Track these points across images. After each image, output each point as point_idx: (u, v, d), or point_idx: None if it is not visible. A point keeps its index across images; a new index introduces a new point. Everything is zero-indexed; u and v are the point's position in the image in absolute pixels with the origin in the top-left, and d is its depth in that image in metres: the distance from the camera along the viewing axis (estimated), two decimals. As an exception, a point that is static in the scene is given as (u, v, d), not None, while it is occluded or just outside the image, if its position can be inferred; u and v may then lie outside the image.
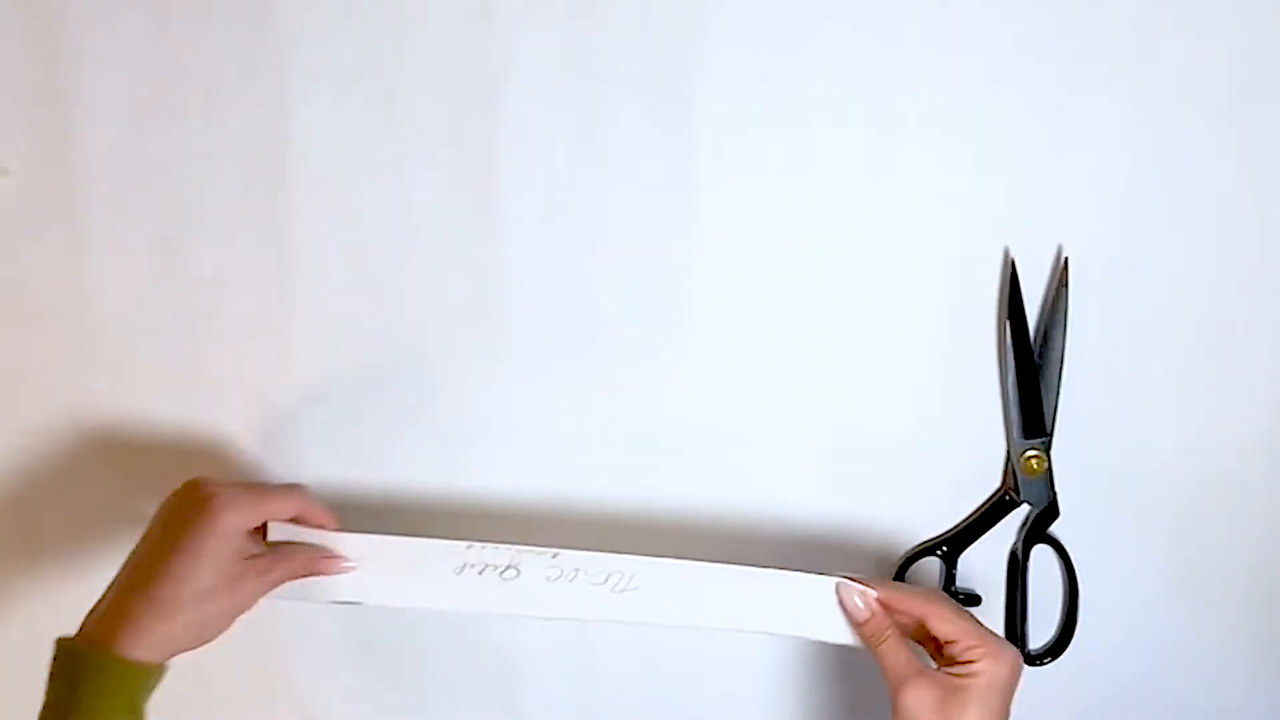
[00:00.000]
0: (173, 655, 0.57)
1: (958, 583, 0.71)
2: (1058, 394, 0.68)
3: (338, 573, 0.62)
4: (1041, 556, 0.70)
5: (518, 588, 0.64)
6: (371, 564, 0.64)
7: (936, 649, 0.64)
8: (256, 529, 0.61)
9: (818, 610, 0.64)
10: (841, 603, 0.64)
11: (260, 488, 0.61)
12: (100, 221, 0.64)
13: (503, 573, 0.64)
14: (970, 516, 0.70)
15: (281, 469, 0.69)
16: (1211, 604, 0.73)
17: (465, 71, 0.63)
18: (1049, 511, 0.69)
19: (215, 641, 0.70)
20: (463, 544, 0.64)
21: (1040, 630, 0.71)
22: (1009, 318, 0.67)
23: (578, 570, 0.64)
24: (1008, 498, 0.69)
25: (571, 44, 0.63)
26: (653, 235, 0.66)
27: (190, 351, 0.66)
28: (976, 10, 0.64)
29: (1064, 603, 0.71)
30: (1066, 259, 0.67)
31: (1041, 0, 0.64)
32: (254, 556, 0.60)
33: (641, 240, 0.66)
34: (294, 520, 0.62)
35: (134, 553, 0.59)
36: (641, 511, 0.70)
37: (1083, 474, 0.69)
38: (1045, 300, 0.68)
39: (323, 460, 0.68)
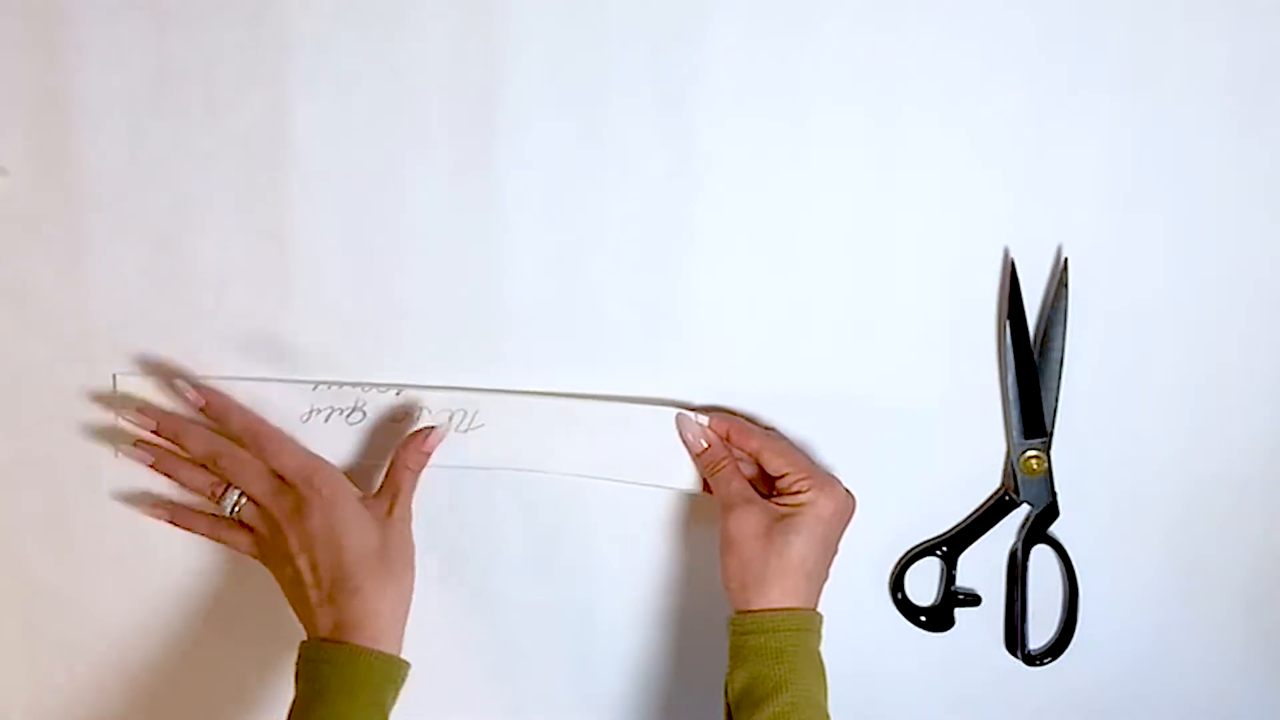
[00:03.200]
0: (403, 623, 0.61)
1: (958, 583, 0.71)
2: (1058, 394, 0.68)
3: (435, 446, 0.65)
4: (1041, 556, 0.70)
5: (364, 432, 0.66)
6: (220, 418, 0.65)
7: (771, 488, 0.65)
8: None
9: (661, 449, 0.66)
10: (680, 433, 0.65)
11: (306, 471, 0.62)
12: (100, 221, 0.64)
13: (349, 416, 0.65)
14: (970, 516, 0.70)
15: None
16: (1211, 604, 0.73)
17: (465, 71, 0.63)
18: (1049, 511, 0.69)
19: (217, 641, 0.70)
20: (309, 384, 0.65)
21: (1040, 630, 0.71)
22: (1009, 318, 0.67)
23: (422, 409, 0.66)
24: (1008, 498, 0.69)
25: (571, 44, 0.63)
26: (653, 235, 0.66)
27: (189, 351, 0.66)
28: (976, 11, 0.64)
29: (1064, 603, 0.71)
30: (1066, 259, 0.67)
31: (1042, 0, 0.64)
32: (376, 497, 0.63)
33: (641, 240, 0.66)
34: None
35: (309, 572, 0.60)
36: (642, 511, 0.70)
37: (1083, 474, 0.69)
38: (1045, 300, 0.68)
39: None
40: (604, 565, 0.70)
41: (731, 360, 0.68)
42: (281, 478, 0.63)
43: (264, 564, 0.63)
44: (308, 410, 0.66)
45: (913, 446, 0.69)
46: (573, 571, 0.70)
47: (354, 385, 0.66)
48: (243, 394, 0.66)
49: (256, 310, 0.66)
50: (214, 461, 0.63)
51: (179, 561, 0.69)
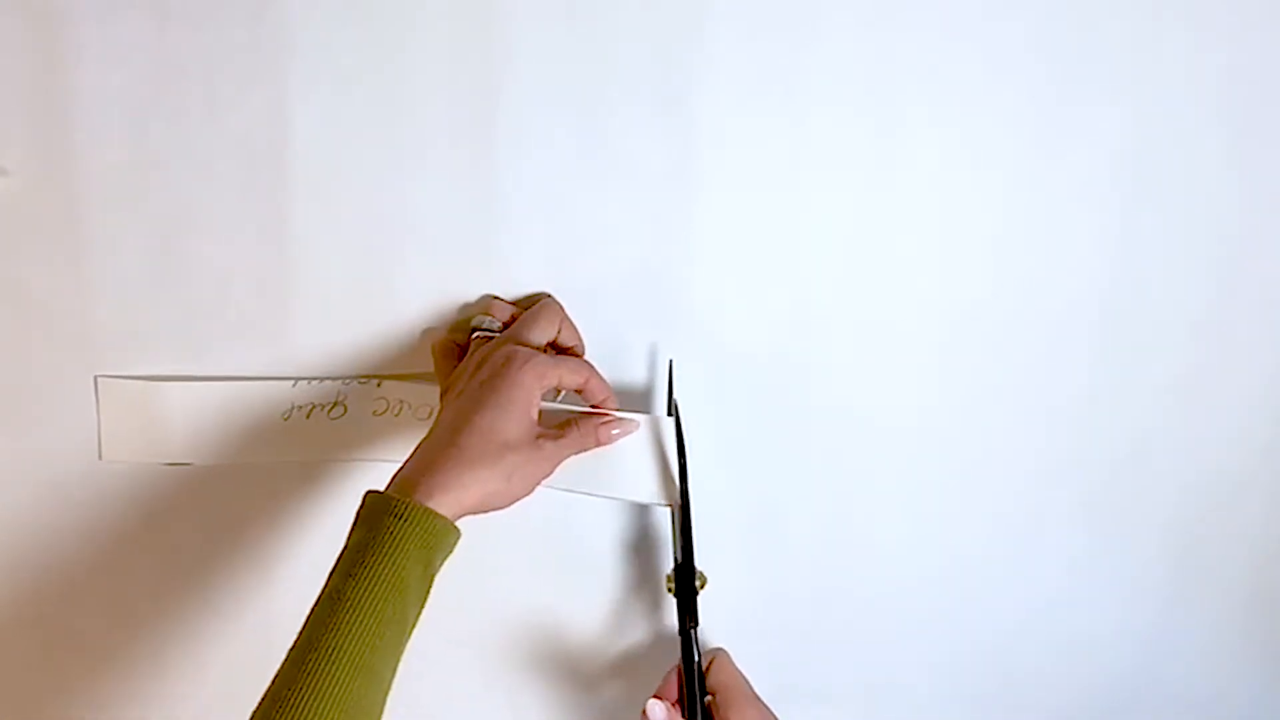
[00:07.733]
0: (470, 510, 0.57)
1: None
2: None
3: (612, 440, 0.63)
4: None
5: (346, 429, 0.65)
6: (201, 418, 0.65)
7: None
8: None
9: (624, 461, 0.64)
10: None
11: (555, 356, 0.62)
12: (100, 221, 0.64)
13: (330, 412, 0.65)
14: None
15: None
16: (1211, 604, 0.73)
17: (465, 71, 0.63)
18: None
19: (214, 642, 0.70)
20: (288, 381, 0.65)
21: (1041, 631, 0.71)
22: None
23: (403, 403, 0.65)
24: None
25: (572, 43, 0.63)
26: (653, 235, 0.66)
27: (190, 351, 0.66)
28: (976, 11, 0.64)
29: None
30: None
31: (1042, 1, 0.64)
32: (545, 425, 0.61)
33: (641, 240, 0.66)
34: (579, 392, 0.63)
35: (442, 412, 0.60)
36: (638, 511, 0.70)
37: (1083, 474, 0.69)
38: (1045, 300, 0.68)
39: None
40: (599, 563, 0.70)
41: (730, 360, 0.68)
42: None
43: (442, 397, 0.63)
44: (288, 408, 0.66)
45: (912, 446, 0.69)
46: (568, 570, 0.70)
47: (334, 379, 0.66)
48: (220, 397, 0.65)
49: (256, 310, 0.66)
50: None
51: (175, 561, 0.69)
